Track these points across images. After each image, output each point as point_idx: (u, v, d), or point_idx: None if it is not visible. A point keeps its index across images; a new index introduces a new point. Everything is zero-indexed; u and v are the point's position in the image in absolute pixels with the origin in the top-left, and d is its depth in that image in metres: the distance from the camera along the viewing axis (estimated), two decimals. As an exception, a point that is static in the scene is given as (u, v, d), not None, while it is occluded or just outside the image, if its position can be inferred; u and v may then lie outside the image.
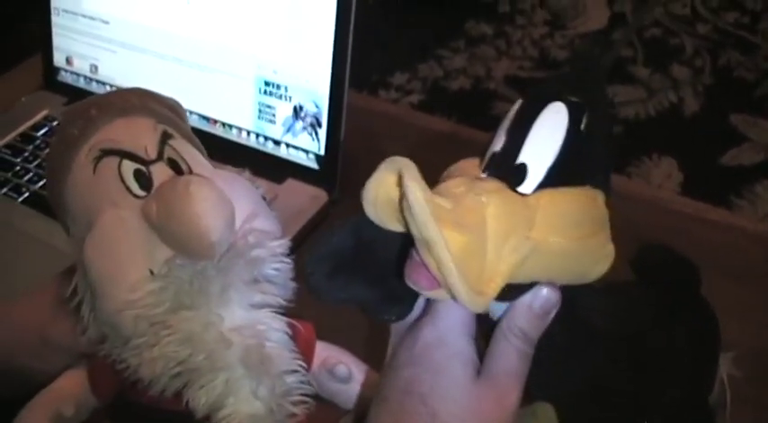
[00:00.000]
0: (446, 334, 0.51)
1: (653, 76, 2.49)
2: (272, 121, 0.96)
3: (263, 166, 0.96)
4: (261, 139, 0.98)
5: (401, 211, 0.45)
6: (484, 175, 0.50)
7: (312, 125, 0.93)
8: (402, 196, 0.44)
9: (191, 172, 0.57)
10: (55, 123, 1.08)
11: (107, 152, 0.55)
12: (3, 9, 1.52)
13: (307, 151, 0.95)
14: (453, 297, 0.45)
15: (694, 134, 2.30)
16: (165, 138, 0.58)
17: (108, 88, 1.09)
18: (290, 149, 0.96)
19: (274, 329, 0.55)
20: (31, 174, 1.01)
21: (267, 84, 0.95)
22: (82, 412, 0.61)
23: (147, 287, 0.52)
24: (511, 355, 0.50)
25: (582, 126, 0.48)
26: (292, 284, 0.58)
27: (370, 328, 0.73)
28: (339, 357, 0.65)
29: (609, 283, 0.55)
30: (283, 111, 0.95)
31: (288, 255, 0.58)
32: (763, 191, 2.09)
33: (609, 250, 0.49)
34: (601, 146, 0.49)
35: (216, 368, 0.52)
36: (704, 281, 0.64)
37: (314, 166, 0.95)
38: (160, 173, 0.56)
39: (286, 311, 0.58)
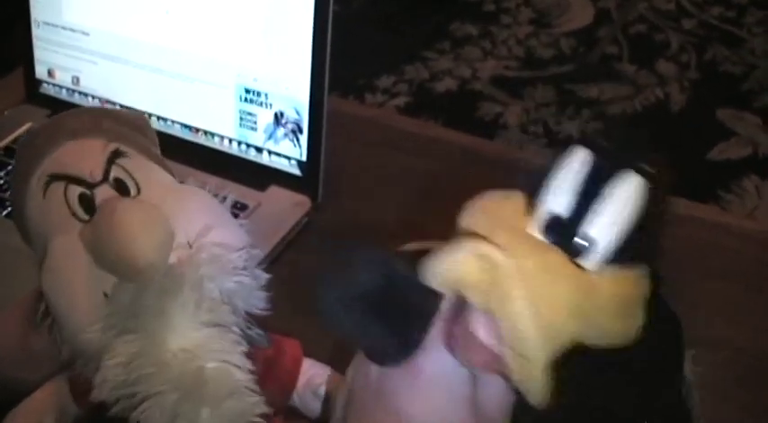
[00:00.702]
0: (449, 375, 0.49)
1: (639, 73, 2.49)
2: (253, 129, 0.96)
3: (246, 173, 0.96)
4: (243, 147, 0.98)
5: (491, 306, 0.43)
6: (541, 237, 0.46)
7: (293, 131, 0.93)
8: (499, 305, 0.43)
9: (138, 191, 0.57)
10: (37, 136, 1.08)
11: (54, 177, 0.55)
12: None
13: (289, 158, 0.95)
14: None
15: (681, 129, 2.30)
16: (114, 157, 0.57)
17: (90, 100, 1.09)
18: (273, 156, 0.96)
19: (221, 351, 0.54)
20: (15, 187, 1.00)
21: (248, 91, 0.95)
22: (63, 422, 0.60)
23: (100, 312, 0.52)
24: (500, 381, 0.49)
25: (655, 204, 0.45)
26: (261, 295, 0.57)
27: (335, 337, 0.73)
28: (324, 376, 0.65)
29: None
30: (264, 118, 0.95)
31: (253, 265, 0.57)
32: (750, 185, 2.10)
33: (635, 324, 0.46)
34: (658, 230, 0.46)
35: (157, 392, 0.51)
36: (691, 280, 0.64)
37: (296, 172, 0.95)
38: (104, 195, 0.55)
39: (269, 327, 0.58)
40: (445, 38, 2.67)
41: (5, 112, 1.14)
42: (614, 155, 0.46)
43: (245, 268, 0.56)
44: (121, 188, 0.56)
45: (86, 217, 0.54)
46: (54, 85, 1.12)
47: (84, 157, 0.57)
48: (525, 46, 2.63)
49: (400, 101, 2.43)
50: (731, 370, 0.67)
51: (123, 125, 0.61)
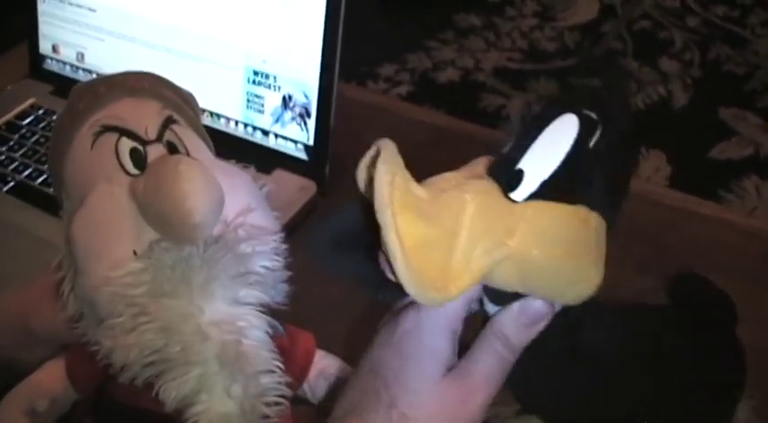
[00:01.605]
0: (425, 327, 0.50)
1: (642, 69, 2.49)
2: (260, 111, 0.95)
3: (252, 156, 0.95)
4: (249, 129, 0.97)
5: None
6: (484, 175, 0.49)
7: (301, 115, 0.92)
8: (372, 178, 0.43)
9: (188, 155, 0.57)
10: (41, 111, 1.07)
11: (108, 128, 0.55)
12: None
13: (295, 141, 0.94)
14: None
15: (683, 127, 2.30)
16: (169, 122, 0.57)
17: (95, 77, 1.07)
18: (279, 140, 0.95)
19: (255, 328, 0.53)
20: (17, 163, 1.00)
21: (256, 73, 0.94)
22: (59, 406, 0.60)
23: (128, 267, 0.51)
24: (489, 357, 0.50)
25: (591, 143, 0.46)
26: (284, 286, 0.57)
27: (370, 334, 0.72)
28: (336, 367, 0.64)
29: (622, 305, 0.53)
30: (272, 101, 0.94)
31: (281, 254, 0.57)
32: (751, 185, 2.10)
33: (591, 276, 0.46)
34: (609, 167, 0.47)
35: (190, 361, 0.51)
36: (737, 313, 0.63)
37: (303, 156, 0.94)
38: (156, 154, 0.55)
39: (284, 318, 0.57)
40: (449, 28, 2.66)
41: (8, 87, 1.14)
42: (560, 102, 0.48)
43: (277, 254, 0.56)
44: (173, 151, 0.56)
45: (136, 171, 0.53)
46: (58, 60, 1.11)
47: (141, 114, 0.56)
48: (529, 39, 2.63)
49: (402, 90, 2.43)
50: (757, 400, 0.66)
51: (178, 96, 0.60)
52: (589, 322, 0.50)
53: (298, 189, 0.93)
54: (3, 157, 1.01)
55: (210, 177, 0.50)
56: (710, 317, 0.57)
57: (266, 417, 0.53)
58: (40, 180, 0.96)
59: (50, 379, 0.60)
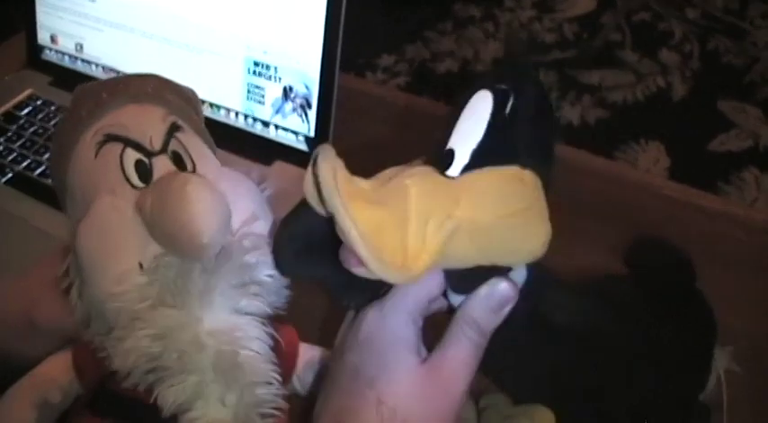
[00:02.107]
0: (389, 321, 0.52)
1: (641, 61, 2.49)
2: (261, 102, 0.95)
3: (252, 147, 0.95)
4: (250, 121, 0.97)
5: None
6: (419, 163, 0.51)
7: (302, 106, 0.92)
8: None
9: (194, 168, 0.57)
10: (39, 102, 1.07)
11: (111, 138, 0.55)
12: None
13: (296, 133, 0.94)
14: (371, 272, 0.45)
15: (682, 119, 2.30)
16: (173, 130, 0.57)
17: (93, 67, 1.07)
18: (280, 131, 0.95)
19: (254, 338, 0.54)
20: (15, 154, 0.99)
21: (256, 64, 0.94)
22: (67, 399, 0.60)
23: (134, 280, 0.52)
24: (462, 343, 0.51)
25: (507, 110, 0.49)
26: (286, 292, 0.58)
27: (327, 314, 0.72)
28: (321, 357, 0.64)
29: (583, 279, 0.56)
30: (273, 92, 0.94)
31: None
32: (750, 177, 2.10)
33: (540, 230, 0.49)
34: (528, 128, 0.49)
35: (186, 370, 0.52)
36: (695, 268, 0.64)
37: (303, 148, 0.94)
38: (161, 166, 0.55)
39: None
40: (448, 18, 2.66)
41: (6, 78, 1.13)
42: (473, 83, 0.51)
43: None
44: (178, 162, 0.56)
45: (141, 184, 0.54)
46: (56, 51, 1.11)
47: (145, 122, 0.56)
48: (528, 30, 2.62)
49: (401, 80, 2.43)
50: (736, 356, 0.66)
51: (180, 98, 0.60)
52: (551, 297, 0.53)
53: (298, 181, 0.92)
54: (1, 148, 1.00)
55: (218, 196, 0.51)
56: (669, 276, 0.61)
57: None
58: (39, 171, 0.96)
59: (58, 371, 0.60)
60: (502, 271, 0.51)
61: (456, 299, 0.52)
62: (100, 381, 0.59)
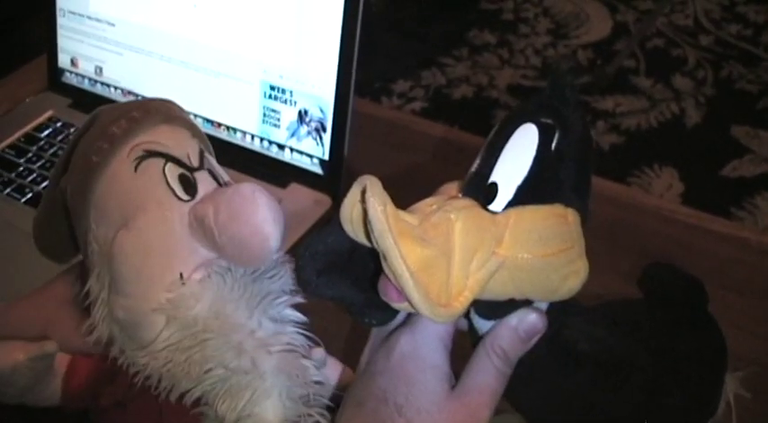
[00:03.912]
0: (422, 346, 0.52)
1: (655, 87, 2.49)
2: (276, 126, 0.96)
3: (267, 170, 0.96)
4: (265, 144, 0.98)
5: (365, 226, 0.46)
6: (460, 195, 0.51)
7: (317, 130, 0.93)
8: (365, 211, 0.45)
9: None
10: (59, 124, 1.08)
11: (152, 153, 0.55)
12: (8, 10, 1.52)
13: (311, 156, 0.95)
14: (416, 311, 0.45)
15: (696, 145, 2.30)
16: (202, 150, 0.58)
17: (113, 90, 1.09)
18: (295, 154, 0.96)
19: (300, 346, 0.56)
20: (35, 175, 1.01)
21: (273, 88, 0.95)
22: (38, 376, 0.60)
23: (185, 290, 0.53)
24: (489, 372, 0.51)
25: (552, 146, 0.48)
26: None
27: (350, 332, 0.73)
28: (338, 371, 0.65)
29: (604, 304, 0.56)
30: (288, 115, 0.95)
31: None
32: (763, 203, 2.09)
33: (578, 267, 0.49)
34: (573, 166, 0.49)
35: (252, 373, 0.53)
36: (709, 293, 0.64)
37: (318, 170, 0.95)
38: (204, 180, 0.56)
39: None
40: (463, 45, 2.67)
41: (27, 100, 1.15)
42: (516, 114, 0.50)
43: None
44: (215, 179, 0.57)
45: (186, 197, 0.55)
46: (77, 74, 1.12)
47: (180, 141, 0.57)
48: (542, 56, 2.64)
49: (416, 105, 2.43)
50: (750, 383, 0.66)
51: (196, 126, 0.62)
52: (572, 324, 0.52)
53: (312, 203, 0.94)
54: (21, 169, 1.02)
55: (277, 204, 0.53)
56: (682, 300, 0.59)
57: None
58: (58, 192, 0.97)
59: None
60: (529, 300, 0.51)
61: (481, 323, 0.52)
62: (83, 402, 0.60)
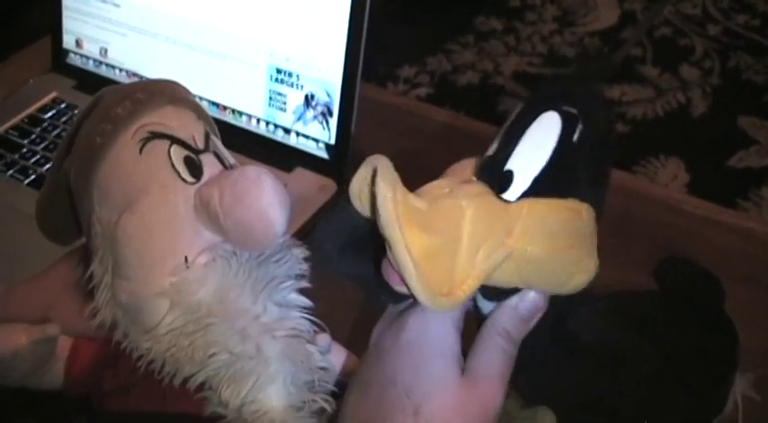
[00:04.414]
0: (431, 330, 0.51)
1: (662, 77, 2.48)
2: (282, 109, 0.96)
3: (273, 153, 0.96)
4: (271, 127, 0.97)
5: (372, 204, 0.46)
6: (473, 179, 0.50)
7: (323, 114, 0.92)
8: (373, 195, 0.44)
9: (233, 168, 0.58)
10: (63, 105, 1.08)
11: (157, 135, 0.55)
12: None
13: (317, 140, 0.94)
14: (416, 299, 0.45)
15: (702, 135, 2.29)
16: (208, 132, 0.58)
17: (117, 72, 1.08)
18: (300, 138, 0.96)
19: (305, 331, 0.56)
20: (38, 156, 1.00)
21: (279, 71, 0.94)
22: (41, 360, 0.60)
23: (189, 274, 0.52)
24: (496, 355, 0.51)
25: (574, 138, 0.47)
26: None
27: (356, 319, 0.72)
28: (343, 357, 0.65)
29: (612, 294, 0.55)
30: (294, 99, 0.94)
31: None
32: (769, 194, 2.09)
33: (588, 265, 0.48)
34: (593, 160, 0.48)
35: (257, 358, 0.52)
36: (725, 291, 0.64)
37: (324, 155, 0.95)
38: (209, 163, 0.56)
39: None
40: (469, 31, 2.66)
41: (31, 81, 1.14)
42: (539, 100, 0.49)
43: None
44: (221, 161, 0.57)
45: (191, 179, 0.54)
46: (81, 55, 1.12)
47: (186, 123, 0.57)
48: (549, 43, 2.63)
49: (421, 92, 2.43)
50: (762, 385, 0.66)
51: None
52: (576, 312, 0.52)
53: (318, 188, 0.94)
54: (25, 150, 1.02)
55: (283, 188, 0.52)
56: (698, 297, 0.59)
57: (323, 410, 0.55)
58: (62, 174, 0.96)
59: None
60: None
61: (485, 304, 0.52)
62: (87, 389, 0.60)
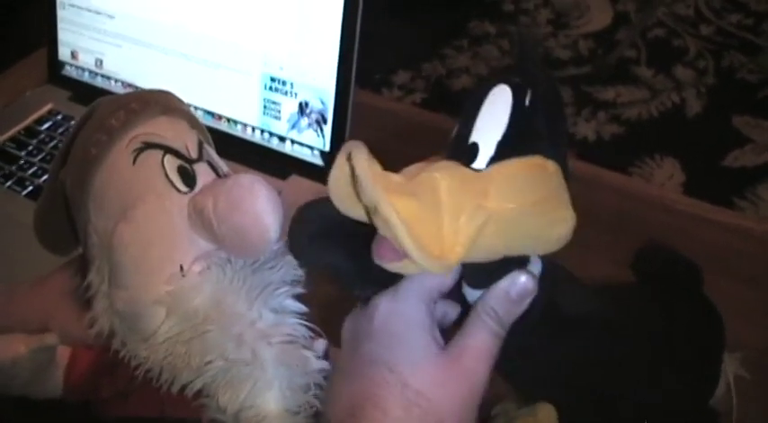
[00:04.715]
0: (403, 305, 0.52)
1: (656, 77, 2.48)
2: (277, 118, 0.96)
3: (268, 161, 0.96)
4: (266, 135, 0.98)
5: (355, 190, 0.47)
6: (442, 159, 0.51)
7: (317, 122, 0.93)
8: (352, 173, 0.46)
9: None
10: (59, 117, 1.08)
11: (150, 145, 0.55)
12: (8, 2, 1.51)
13: (312, 148, 0.95)
14: (414, 262, 0.45)
15: (697, 135, 2.29)
16: (201, 142, 0.58)
17: (113, 83, 1.09)
18: (295, 146, 0.96)
19: (300, 335, 0.56)
20: (35, 167, 1.01)
21: (273, 80, 0.95)
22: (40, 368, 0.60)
23: (185, 282, 0.53)
24: (482, 332, 0.51)
25: (526, 102, 0.50)
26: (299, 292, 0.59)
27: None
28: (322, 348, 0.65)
29: (601, 285, 0.56)
30: (289, 107, 0.95)
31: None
32: (764, 193, 2.09)
33: (566, 215, 0.49)
34: (546, 120, 0.50)
35: (252, 363, 0.53)
36: (710, 283, 0.64)
37: (319, 162, 0.95)
38: (203, 172, 0.56)
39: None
40: (463, 35, 2.67)
41: (27, 93, 1.15)
42: (488, 79, 0.52)
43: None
44: (214, 170, 0.57)
45: (185, 189, 0.55)
46: (77, 67, 1.12)
47: (179, 133, 0.57)
48: (543, 46, 2.63)
49: (416, 97, 2.43)
50: (753, 372, 0.66)
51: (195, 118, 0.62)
52: (565, 289, 0.53)
53: (313, 195, 0.92)
54: (22, 162, 1.02)
55: (276, 195, 0.53)
56: (677, 283, 0.61)
57: (318, 413, 0.55)
58: (59, 185, 0.97)
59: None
60: (520, 264, 0.51)
61: (471, 293, 0.53)
62: (85, 395, 0.60)
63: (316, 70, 0.92)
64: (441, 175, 0.47)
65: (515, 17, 2.76)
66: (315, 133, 0.94)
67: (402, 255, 0.46)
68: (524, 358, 0.54)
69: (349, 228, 0.50)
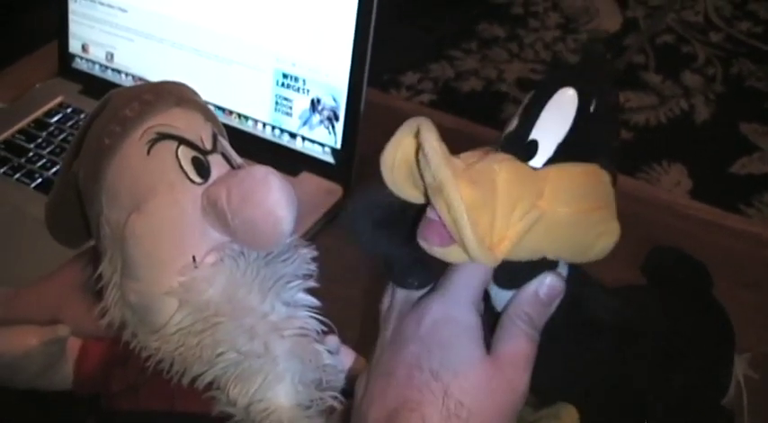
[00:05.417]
0: (454, 309, 0.51)
1: (664, 83, 2.48)
2: (288, 114, 0.96)
3: (279, 158, 0.96)
4: (277, 132, 0.97)
5: (417, 167, 0.46)
6: (498, 150, 0.51)
7: (329, 119, 0.93)
8: (418, 149, 0.46)
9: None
10: (69, 110, 1.08)
11: (165, 136, 0.55)
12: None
13: (323, 145, 0.95)
14: (464, 249, 0.45)
15: (705, 142, 2.29)
16: (215, 133, 0.58)
17: (123, 77, 1.09)
18: (306, 143, 0.96)
19: (312, 329, 0.56)
20: (44, 160, 1.01)
21: (285, 76, 0.95)
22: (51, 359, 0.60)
23: (197, 273, 0.53)
24: (519, 337, 0.51)
25: (591, 109, 0.50)
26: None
27: (364, 321, 0.73)
28: (351, 359, 0.65)
29: (617, 286, 0.56)
30: (301, 104, 0.95)
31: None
32: (772, 201, 2.09)
33: (613, 227, 0.50)
34: (607, 131, 0.51)
35: (265, 356, 0.53)
36: (718, 288, 0.64)
37: (330, 160, 0.95)
38: (217, 163, 0.56)
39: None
40: (472, 38, 2.67)
41: (37, 85, 1.15)
42: (553, 80, 0.52)
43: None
44: (228, 162, 0.57)
45: (199, 180, 0.55)
46: (87, 60, 1.12)
47: (193, 124, 0.57)
48: (552, 50, 2.63)
49: (424, 98, 2.43)
50: (753, 364, 0.66)
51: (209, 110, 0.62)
52: (590, 292, 0.53)
53: (324, 192, 0.94)
54: (31, 154, 1.02)
55: (290, 187, 0.53)
56: (687, 285, 0.62)
57: (331, 410, 0.55)
58: (68, 177, 0.97)
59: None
60: (549, 267, 0.51)
61: (499, 295, 0.52)
62: (95, 388, 0.60)
63: (328, 67, 0.91)
64: (500, 167, 0.47)
65: (524, 20, 2.75)
66: (326, 130, 0.94)
67: (449, 240, 0.46)
68: (547, 359, 0.53)
69: (407, 216, 0.50)
